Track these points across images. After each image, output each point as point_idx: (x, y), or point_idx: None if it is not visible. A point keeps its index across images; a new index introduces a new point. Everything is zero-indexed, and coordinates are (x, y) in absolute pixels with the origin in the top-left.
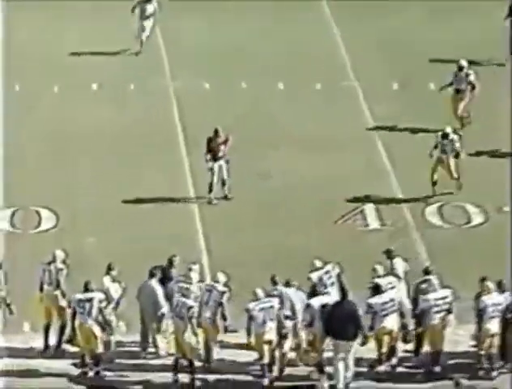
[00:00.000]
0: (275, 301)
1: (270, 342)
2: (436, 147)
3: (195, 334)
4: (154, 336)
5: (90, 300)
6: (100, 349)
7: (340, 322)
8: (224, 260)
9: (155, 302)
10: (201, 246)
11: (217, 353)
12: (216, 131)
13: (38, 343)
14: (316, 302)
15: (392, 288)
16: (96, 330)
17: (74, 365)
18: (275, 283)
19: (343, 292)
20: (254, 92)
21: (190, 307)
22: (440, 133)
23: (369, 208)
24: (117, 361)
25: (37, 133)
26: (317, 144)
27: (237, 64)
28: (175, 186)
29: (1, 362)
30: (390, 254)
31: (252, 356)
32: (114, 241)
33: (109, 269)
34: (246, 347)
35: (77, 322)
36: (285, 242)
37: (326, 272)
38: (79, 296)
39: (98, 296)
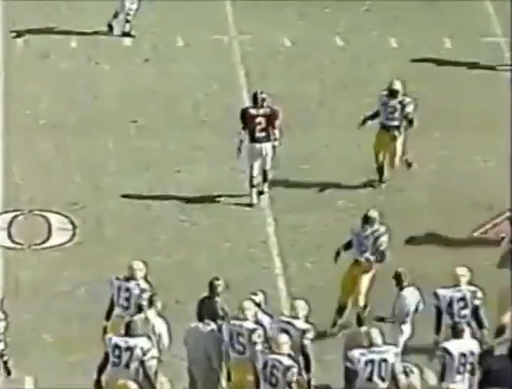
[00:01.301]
0: (391, 352)
1: None
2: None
3: None
4: None
5: (131, 348)
6: None
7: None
8: (311, 289)
9: (209, 351)
10: (276, 269)
11: None
12: (255, 97)
13: None
14: (454, 348)
15: None
16: None
17: None
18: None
19: None
20: (360, 48)
21: (289, 368)
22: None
23: None
24: None
25: (46, 103)
26: (463, 123)
27: (334, 10)
28: (239, 180)
29: None
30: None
31: None
32: (156, 259)
33: (151, 302)
34: None
35: (106, 377)
36: (404, 260)
37: (461, 299)
38: (117, 340)
39: (142, 344)
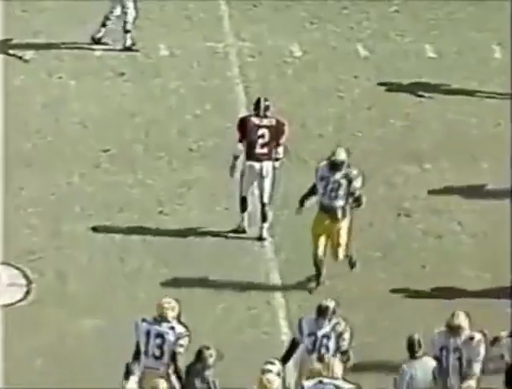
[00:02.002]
0: None
1: None
2: None
3: None
4: None
5: None
6: None
7: None
8: None
9: None
10: (281, 334)
11: None
12: (258, 104)
13: None
14: None
15: None
16: None
17: None
18: None
19: None
20: (388, 58)
21: None
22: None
23: None
24: None
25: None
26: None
27: (355, 11)
28: (235, 223)
29: None
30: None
31: None
32: (130, 322)
33: (128, 372)
34: None
35: None
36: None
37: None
38: None
39: None
